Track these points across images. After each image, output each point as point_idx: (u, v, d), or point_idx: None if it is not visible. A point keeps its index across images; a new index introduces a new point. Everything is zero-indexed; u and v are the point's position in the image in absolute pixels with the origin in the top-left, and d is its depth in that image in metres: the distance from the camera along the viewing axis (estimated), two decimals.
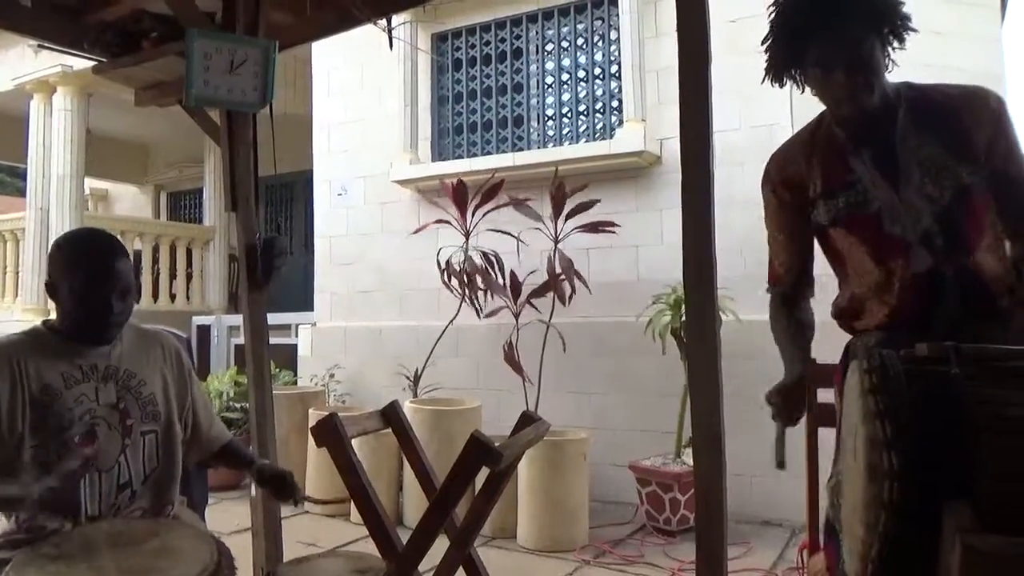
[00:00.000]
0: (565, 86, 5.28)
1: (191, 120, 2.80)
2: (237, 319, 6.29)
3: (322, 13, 2.74)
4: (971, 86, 1.68)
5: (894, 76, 1.71)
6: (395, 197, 5.66)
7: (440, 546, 1.92)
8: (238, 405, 5.38)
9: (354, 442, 2.05)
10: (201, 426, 2.05)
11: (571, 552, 3.77)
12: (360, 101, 5.99)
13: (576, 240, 4.55)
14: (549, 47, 5.36)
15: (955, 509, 1.00)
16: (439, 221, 4.84)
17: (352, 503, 2.14)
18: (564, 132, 5.25)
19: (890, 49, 1.65)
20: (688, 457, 4.02)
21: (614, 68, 5.06)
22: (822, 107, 1.77)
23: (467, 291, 4.59)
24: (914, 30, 1.64)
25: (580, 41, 5.24)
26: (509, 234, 4.70)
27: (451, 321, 4.75)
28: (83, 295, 1.74)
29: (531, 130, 5.38)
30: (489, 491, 1.99)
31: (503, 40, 5.49)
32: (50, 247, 1.83)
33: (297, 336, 6.22)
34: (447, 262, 4.68)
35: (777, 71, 1.73)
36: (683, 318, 2.10)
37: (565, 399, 4.69)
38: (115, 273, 1.76)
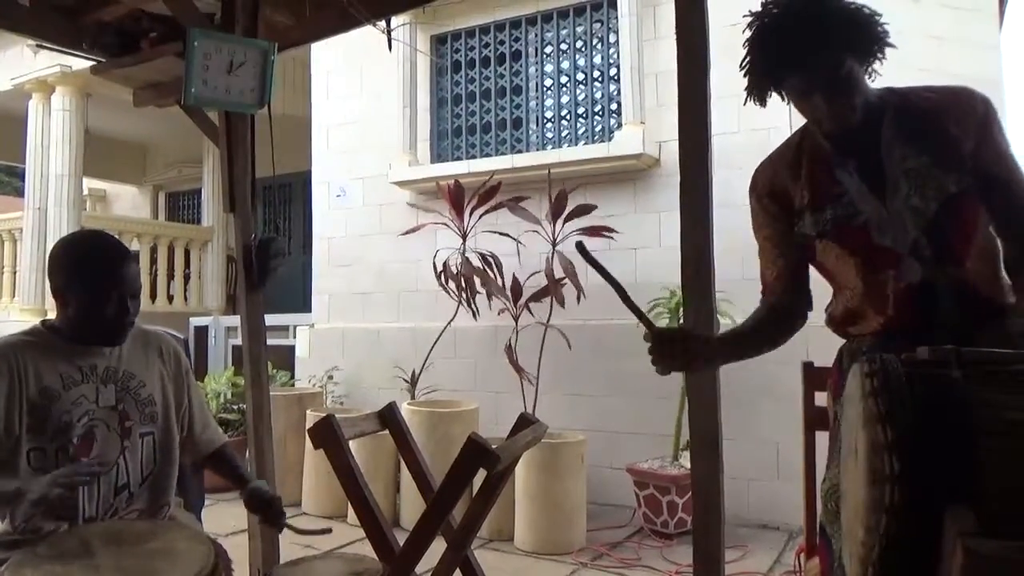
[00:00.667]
0: (564, 89, 5.28)
1: (190, 120, 2.80)
2: (235, 320, 6.30)
3: (321, 15, 2.74)
4: (955, 87, 1.64)
5: (890, 81, 1.70)
6: (394, 199, 5.66)
7: (437, 548, 1.92)
8: (235, 406, 5.37)
9: (351, 443, 2.05)
10: (195, 427, 2.04)
11: (568, 555, 3.77)
12: (359, 103, 5.99)
13: (575, 242, 4.54)
14: (548, 49, 5.36)
15: (956, 513, 0.99)
16: (436, 223, 4.84)
17: (349, 504, 2.14)
18: (563, 134, 5.25)
19: (869, 63, 1.61)
20: (686, 460, 4.02)
21: (613, 71, 5.07)
22: None
23: (464, 293, 4.59)
24: (892, 46, 1.60)
25: (579, 44, 5.25)
26: (508, 236, 4.71)
27: (449, 323, 4.75)
28: (100, 299, 1.73)
29: (530, 132, 5.38)
30: (486, 493, 1.99)
31: (502, 42, 5.49)
32: (53, 250, 1.82)
33: (295, 337, 6.21)
34: (444, 264, 4.68)
35: (759, 93, 1.70)
36: (681, 321, 2.11)
37: (563, 401, 4.69)
38: (129, 276, 1.78)
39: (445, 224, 4.80)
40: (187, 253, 8.91)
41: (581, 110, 5.22)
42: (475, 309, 4.61)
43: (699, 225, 1.67)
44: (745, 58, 1.67)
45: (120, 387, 1.81)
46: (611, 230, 4.48)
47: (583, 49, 5.23)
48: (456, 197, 4.67)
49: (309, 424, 4.07)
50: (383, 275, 5.74)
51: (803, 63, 1.55)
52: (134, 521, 1.78)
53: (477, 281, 4.60)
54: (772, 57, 1.60)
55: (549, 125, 5.32)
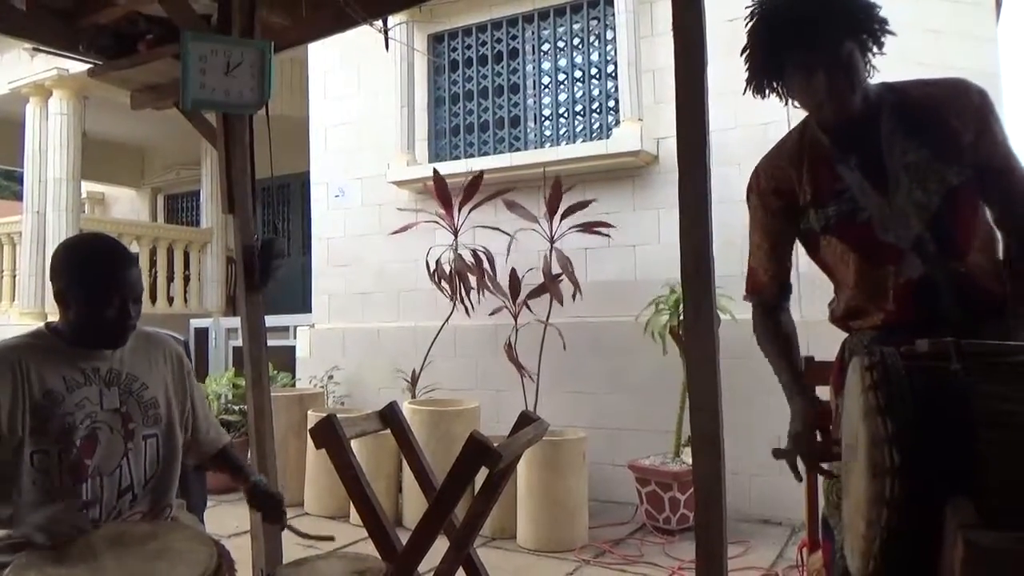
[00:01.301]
0: (562, 86, 5.28)
1: (188, 123, 2.79)
2: (235, 321, 6.31)
3: (318, 14, 2.73)
4: (952, 79, 1.66)
5: (889, 74, 1.71)
6: (392, 198, 5.66)
7: (440, 547, 1.92)
8: (236, 407, 5.37)
9: (353, 443, 2.05)
10: (199, 429, 2.04)
11: (571, 552, 3.77)
12: (356, 102, 5.99)
13: (573, 240, 4.56)
14: (546, 47, 5.36)
15: (957, 505, 1.00)
16: (427, 221, 4.85)
17: (351, 503, 2.14)
18: (561, 132, 5.25)
19: (870, 55, 1.63)
20: (687, 456, 4.02)
21: (611, 68, 5.07)
22: None
23: (458, 290, 4.59)
24: (892, 33, 1.63)
25: (576, 41, 5.24)
26: (505, 233, 4.71)
27: (446, 321, 4.75)
28: (102, 303, 1.73)
29: (528, 130, 5.38)
30: (488, 491, 2.00)
31: (499, 40, 5.49)
32: (55, 253, 1.81)
33: (295, 338, 6.22)
34: (436, 262, 4.68)
35: (758, 82, 1.72)
36: (681, 317, 2.11)
37: (564, 399, 4.69)
38: (131, 280, 1.78)
39: (438, 222, 4.81)
40: (186, 255, 8.92)
41: (579, 108, 5.22)
42: (468, 306, 4.61)
43: (698, 221, 1.67)
44: (747, 46, 1.69)
45: (123, 389, 1.82)
46: (608, 225, 4.48)
47: (580, 46, 5.23)
48: (442, 192, 4.67)
49: (310, 424, 4.06)
50: (382, 275, 5.74)
51: (806, 40, 1.57)
52: (137, 523, 1.78)
53: (472, 279, 4.61)
54: (777, 36, 1.62)
55: (547, 123, 5.32)
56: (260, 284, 2.61)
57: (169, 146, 10.27)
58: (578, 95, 5.23)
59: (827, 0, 1.58)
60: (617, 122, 4.91)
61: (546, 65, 5.35)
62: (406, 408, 4.13)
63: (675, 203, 1.69)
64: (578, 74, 5.24)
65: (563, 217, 4.49)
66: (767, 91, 1.73)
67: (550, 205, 4.48)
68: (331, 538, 2.01)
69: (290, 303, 6.84)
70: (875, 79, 1.67)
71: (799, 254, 1.86)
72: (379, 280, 5.76)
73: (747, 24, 1.69)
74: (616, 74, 4.95)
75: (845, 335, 1.81)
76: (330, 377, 5.57)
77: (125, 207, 11.43)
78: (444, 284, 4.67)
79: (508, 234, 4.70)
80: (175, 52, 2.46)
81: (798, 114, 1.79)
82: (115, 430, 1.78)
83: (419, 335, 5.17)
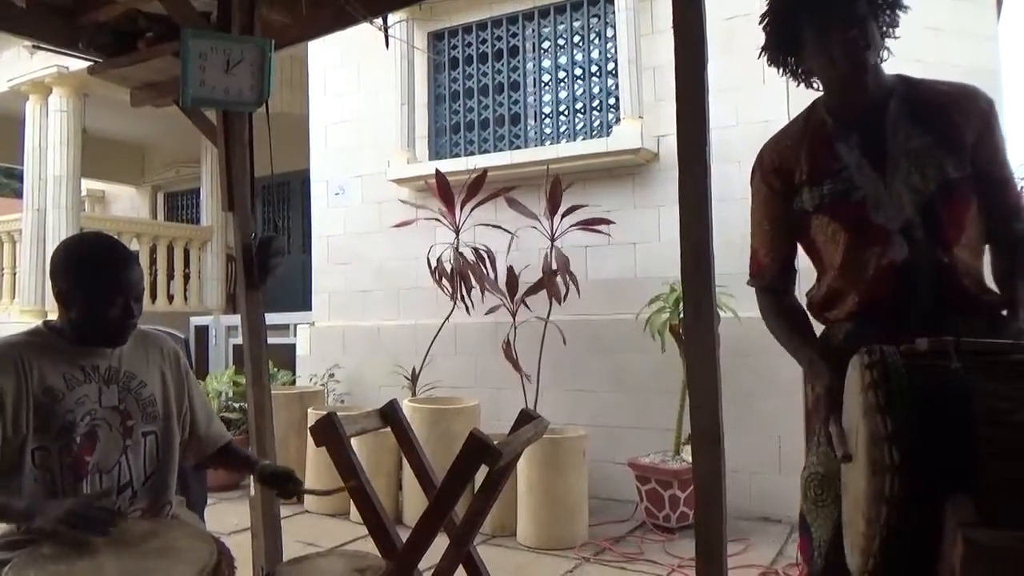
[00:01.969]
0: (562, 84, 5.28)
1: (188, 120, 2.79)
2: (235, 319, 6.31)
3: (318, 12, 2.73)
4: (963, 84, 1.69)
5: (889, 72, 1.72)
6: (392, 196, 5.66)
7: (440, 544, 1.92)
8: (237, 405, 5.38)
9: (353, 441, 2.05)
10: (199, 426, 2.05)
11: (571, 550, 3.78)
12: (357, 100, 5.98)
13: (574, 238, 4.56)
14: (546, 45, 5.35)
15: (956, 503, 1.00)
16: (428, 218, 4.84)
17: (351, 501, 2.14)
18: (561, 130, 5.25)
19: (885, 29, 1.66)
20: (687, 454, 4.03)
21: (611, 65, 5.06)
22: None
23: (459, 288, 4.59)
24: (905, 7, 1.66)
25: (577, 39, 5.24)
26: (506, 230, 4.71)
27: (446, 319, 4.75)
28: (103, 303, 1.73)
29: (528, 128, 5.38)
30: (488, 489, 2.00)
31: (500, 38, 5.48)
32: (55, 253, 1.81)
33: (295, 336, 6.22)
34: (437, 260, 4.68)
35: (773, 52, 1.74)
36: (681, 315, 2.11)
37: (564, 397, 4.70)
38: (133, 280, 1.78)
39: (439, 220, 4.80)
40: (186, 253, 8.92)
41: (579, 105, 5.22)
42: (468, 304, 4.61)
43: (698, 219, 1.67)
44: (765, 13, 1.72)
45: (122, 387, 1.82)
46: (608, 223, 4.48)
47: (581, 44, 5.22)
48: (444, 190, 4.67)
49: (311, 422, 4.06)
50: (382, 273, 5.74)
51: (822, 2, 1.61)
52: (137, 520, 1.79)
53: (472, 277, 4.61)
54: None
55: (547, 121, 5.32)
56: (259, 281, 2.61)
57: (169, 144, 10.27)
58: (578, 93, 5.23)
59: None
60: (617, 120, 4.91)
61: (546, 63, 5.35)
62: (406, 406, 4.13)
63: (675, 201, 1.69)
64: (578, 72, 5.23)
65: (564, 215, 4.49)
66: (780, 64, 1.76)
67: (550, 203, 4.47)
68: (342, 489, 2.03)
69: (290, 301, 6.84)
70: None
71: (799, 255, 1.87)
72: (379, 278, 5.76)
73: None
74: (616, 72, 4.95)
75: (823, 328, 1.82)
76: (330, 375, 5.57)
77: (125, 205, 11.44)
78: (445, 282, 4.67)
79: (509, 232, 4.70)
80: (175, 50, 2.46)
81: (798, 111, 1.79)
82: (114, 427, 1.78)
83: (419, 333, 5.17)
